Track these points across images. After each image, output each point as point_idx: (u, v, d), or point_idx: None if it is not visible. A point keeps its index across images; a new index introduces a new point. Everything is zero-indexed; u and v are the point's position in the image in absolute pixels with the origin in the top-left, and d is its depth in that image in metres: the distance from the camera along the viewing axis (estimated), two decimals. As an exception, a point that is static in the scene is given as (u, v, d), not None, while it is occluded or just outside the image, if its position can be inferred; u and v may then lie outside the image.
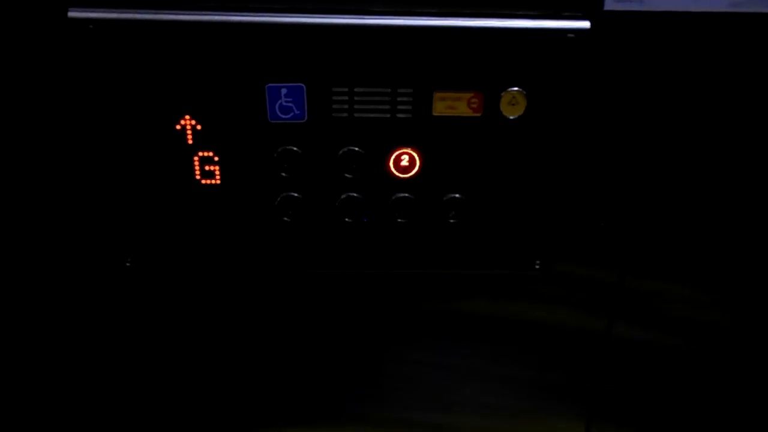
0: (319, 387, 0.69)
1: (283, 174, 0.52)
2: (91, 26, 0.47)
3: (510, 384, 0.69)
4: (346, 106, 0.50)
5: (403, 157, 0.52)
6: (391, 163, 0.52)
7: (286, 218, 0.54)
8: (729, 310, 0.65)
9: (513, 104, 0.50)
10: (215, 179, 0.52)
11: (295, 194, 0.53)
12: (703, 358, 0.67)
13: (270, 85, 0.49)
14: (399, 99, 0.50)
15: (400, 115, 0.51)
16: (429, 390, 0.69)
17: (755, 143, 0.56)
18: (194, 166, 0.52)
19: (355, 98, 0.50)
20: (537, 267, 0.57)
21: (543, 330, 0.65)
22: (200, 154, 0.51)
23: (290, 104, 0.50)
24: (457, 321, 0.64)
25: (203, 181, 0.52)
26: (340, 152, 0.52)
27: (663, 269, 0.62)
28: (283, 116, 0.50)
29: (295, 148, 0.51)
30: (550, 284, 0.62)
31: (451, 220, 0.55)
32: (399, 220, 0.54)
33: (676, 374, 0.68)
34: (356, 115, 0.50)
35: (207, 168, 0.52)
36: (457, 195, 0.54)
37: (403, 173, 0.53)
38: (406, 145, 0.52)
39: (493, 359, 0.67)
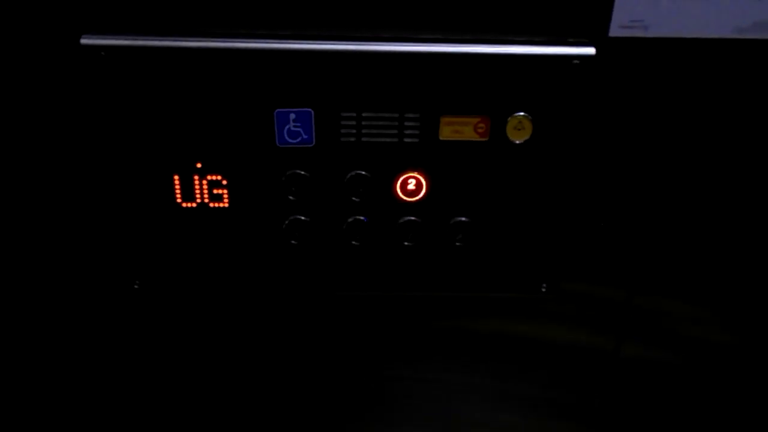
0: (324, 405, 0.69)
1: (291, 197, 0.53)
2: (103, 53, 0.47)
3: (518, 402, 0.69)
4: (353, 131, 0.51)
5: (410, 181, 0.52)
6: (398, 187, 0.53)
7: (293, 241, 0.54)
8: (738, 330, 0.65)
9: (519, 129, 0.51)
10: (224, 202, 0.53)
11: (303, 217, 0.54)
12: (712, 377, 0.67)
13: (279, 110, 0.50)
14: (406, 124, 0.50)
15: (407, 140, 0.51)
16: (435, 408, 0.69)
17: (760, 165, 0.56)
18: (203, 189, 0.52)
19: (363, 123, 0.50)
20: (543, 290, 0.57)
21: (551, 348, 0.65)
22: (209, 177, 0.52)
23: (298, 129, 0.50)
24: (463, 339, 0.64)
25: (212, 204, 0.53)
26: (348, 176, 0.52)
27: (671, 288, 0.62)
28: (292, 141, 0.51)
29: (302, 172, 0.52)
30: (558, 303, 0.62)
31: (458, 244, 0.55)
32: (406, 243, 0.55)
33: (685, 393, 0.68)
34: (364, 139, 0.51)
35: (216, 191, 0.52)
36: (464, 218, 0.54)
37: (409, 197, 0.53)
38: (413, 169, 0.52)
39: (500, 377, 0.67)
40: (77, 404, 0.66)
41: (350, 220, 0.54)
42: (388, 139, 0.51)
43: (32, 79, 0.50)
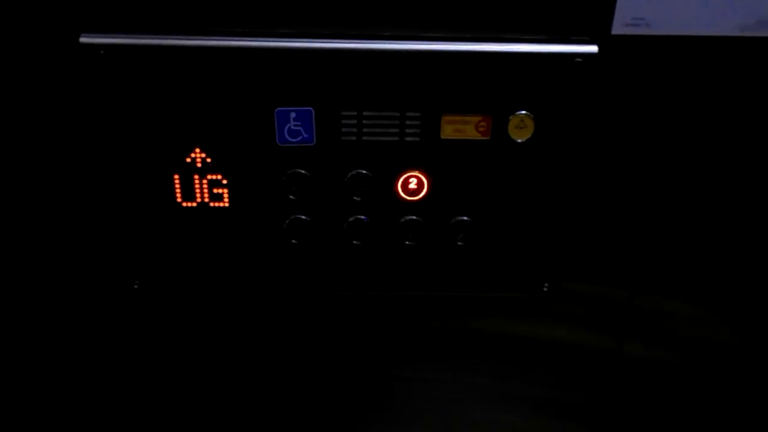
0: (324, 405, 0.68)
1: (292, 197, 0.52)
2: (102, 51, 0.47)
3: (518, 403, 0.69)
4: (354, 130, 0.50)
5: (411, 180, 0.52)
6: (399, 186, 0.52)
7: (294, 241, 0.54)
8: (739, 330, 0.64)
9: (521, 128, 0.50)
10: (224, 202, 0.53)
11: (304, 217, 0.53)
12: (713, 377, 0.67)
13: (279, 109, 0.49)
14: (407, 122, 0.50)
15: (408, 139, 0.51)
16: (436, 408, 0.69)
17: (765, 166, 0.56)
18: (203, 188, 0.52)
19: (364, 122, 0.50)
20: (545, 289, 0.57)
21: (552, 348, 0.65)
22: (209, 177, 0.52)
23: (299, 128, 0.50)
24: (464, 339, 0.64)
25: (212, 204, 0.53)
26: (349, 175, 0.52)
27: (672, 288, 0.62)
28: (292, 140, 0.50)
29: (303, 171, 0.52)
30: (560, 303, 0.61)
31: (459, 243, 0.55)
32: (407, 242, 0.54)
33: (686, 393, 0.68)
34: (365, 138, 0.51)
35: (216, 191, 0.52)
36: (465, 218, 0.54)
37: (411, 196, 0.53)
38: (415, 168, 0.52)
39: (501, 378, 0.67)
40: (77, 404, 0.66)
41: (351, 219, 0.53)
42: (389, 138, 0.51)
43: (31, 78, 0.50)
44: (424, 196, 0.53)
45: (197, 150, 0.51)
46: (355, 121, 0.50)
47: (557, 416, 0.70)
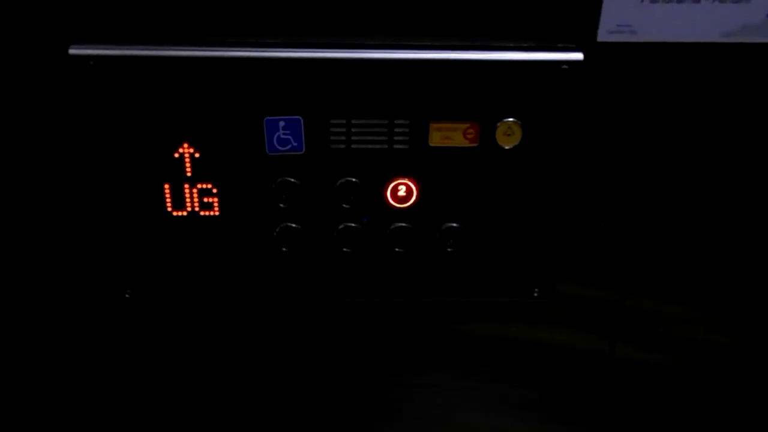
0: (320, 412, 0.68)
1: (282, 205, 0.53)
2: (91, 62, 0.47)
3: (513, 406, 0.69)
4: (343, 138, 0.51)
5: (400, 188, 0.52)
6: (388, 194, 0.53)
7: (284, 248, 0.54)
8: (731, 331, 0.65)
9: (509, 134, 0.51)
10: (214, 210, 0.53)
11: (294, 225, 0.53)
12: (707, 378, 0.67)
13: (268, 118, 0.50)
14: (396, 130, 0.50)
15: (397, 146, 0.51)
16: (432, 412, 0.69)
17: (749, 167, 0.56)
18: (193, 197, 0.52)
19: (353, 130, 0.50)
20: (536, 294, 0.57)
21: (546, 351, 0.65)
22: (199, 186, 0.52)
23: (288, 137, 0.50)
24: (458, 343, 0.64)
25: (202, 213, 0.53)
26: (338, 183, 0.52)
27: (664, 289, 0.62)
28: (281, 148, 0.51)
29: (293, 180, 0.52)
30: (552, 306, 0.62)
31: (449, 249, 0.55)
32: (397, 249, 0.55)
33: (680, 394, 0.68)
34: (354, 146, 0.51)
35: (206, 200, 0.52)
36: (455, 224, 0.54)
37: (400, 203, 0.53)
38: (404, 176, 0.52)
39: (495, 381, 0.67)
40: (69, 414, 0.66)
41: (341, 226, 0.54)
42: (377, 146, 0.51)
43: (21, 90, 0.50)
44: (413, 203, 0.53)
45: (187, 159, 0.51)
46: (343, 129, 0.50)
47: (553, 419, 0.70)
